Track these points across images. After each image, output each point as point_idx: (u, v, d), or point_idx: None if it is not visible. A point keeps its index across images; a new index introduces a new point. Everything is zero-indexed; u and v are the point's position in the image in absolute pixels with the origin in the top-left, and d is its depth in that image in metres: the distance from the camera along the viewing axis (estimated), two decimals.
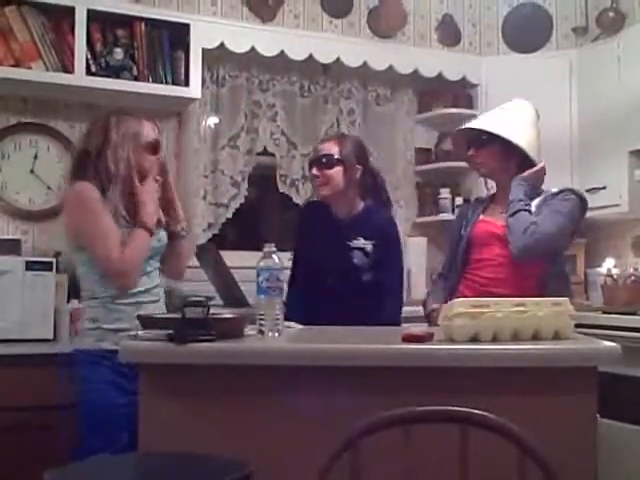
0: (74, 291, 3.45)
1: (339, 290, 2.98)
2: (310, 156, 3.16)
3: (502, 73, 4.54)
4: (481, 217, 2.94)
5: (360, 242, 3.01)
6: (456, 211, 2.97)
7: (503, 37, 4.70)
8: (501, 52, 4.70)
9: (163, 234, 2.67)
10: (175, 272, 2.80)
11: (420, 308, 3.16)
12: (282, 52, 4.10)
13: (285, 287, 2.45)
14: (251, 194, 4.29)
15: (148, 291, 2.57)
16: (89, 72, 3.52)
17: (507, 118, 2.93)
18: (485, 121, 2.98)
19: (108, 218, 2.44)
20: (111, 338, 2.41)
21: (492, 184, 3.11)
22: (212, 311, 2.00)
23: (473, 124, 2.99)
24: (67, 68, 3.49)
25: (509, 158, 2.88)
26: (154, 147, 2.64)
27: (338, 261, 3.01)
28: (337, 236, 3.02)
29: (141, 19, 3.67)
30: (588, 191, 4.26)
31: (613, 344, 1.99)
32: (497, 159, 2.90)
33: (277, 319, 2.10)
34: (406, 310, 3.22)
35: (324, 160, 2.99)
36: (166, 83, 3.70)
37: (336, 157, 2.98)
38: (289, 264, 3.11)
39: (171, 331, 1.93)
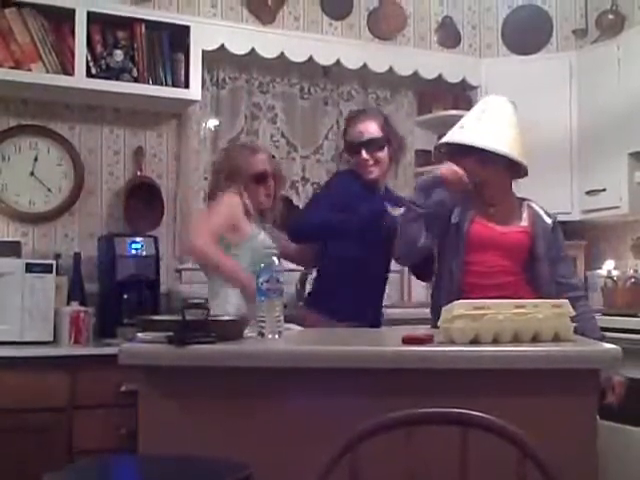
0: (73, 293, 3.46)
1: (376, 260, 3.05)
2: (352, 137, 3.11)
3: (502, 75, 4.53)
4: (476, 219, 2.86)
5: (392, 211, 3.06)
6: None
7: (503, 39, 4.70)
8: (501, 54, 4.70)
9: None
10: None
11: (420, 309, 3.16)
12: (282, 54, 4.10)
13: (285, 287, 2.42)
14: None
15: None
16: (89, 74, 3.52)
17: (485, 125, 2.81)
18: (463, 133, 2.79)
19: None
20: None
21: None
22: (212, 313, 2.00)
23: (452, 138, 2.81)
24: (67, 70, 3.49)
25: (494, 164, 2.79)
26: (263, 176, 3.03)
27: (380, 227, 3.00)
28: (375, 205, 3.03)
29: (141, 21, 3.67)
30: (588, 193, 4.28)
31: (613, 346, 1.99)
32: (482, 167, 2.81)
33: (277, 321, 2.10)
34: (406, 312, 3.23)
35: (372, 143, 3.04)
36: (166, 85, 3.70)
37: (382, 139, 3.06)
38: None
39: (171, 333, 1.93)
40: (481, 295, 2.59)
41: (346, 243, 2.97)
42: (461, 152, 2.73)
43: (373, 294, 3.10)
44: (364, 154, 3.01)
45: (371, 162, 3.03)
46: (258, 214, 3.07)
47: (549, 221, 2.81)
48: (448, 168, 2.69)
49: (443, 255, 2.81)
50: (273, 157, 3.33)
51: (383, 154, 3.05)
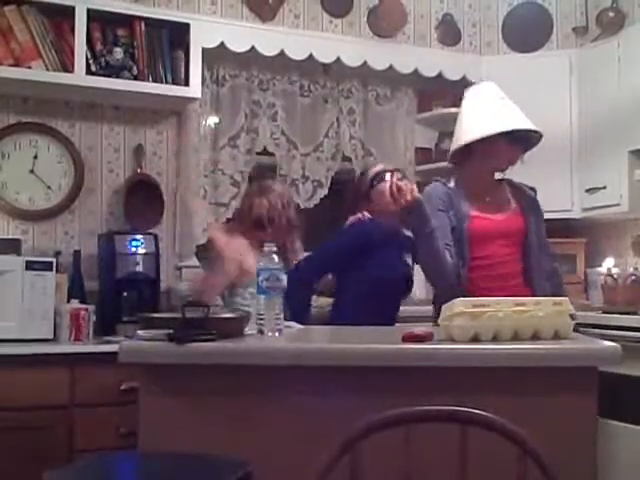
0: (74, 291, 3.46)
1: (392, 309, 3.22)
2: (384, 169, 3.33)
3: (502, 73, 4.52)
4: (473, 212, 2.82)
5: (407, 259, 3.27)
6: (433, 190, 2.81)
7: (503, 37, 4.70)
8: (501, 52, 4.70)
9: None
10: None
11: (420, 308, 3.18)
12: (282, 52, 4.10)
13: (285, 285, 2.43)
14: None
15: None
16: (89, 71, 3.52)
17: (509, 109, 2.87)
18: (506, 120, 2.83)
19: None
20: None
21: None
22: (212, 311, 2.00)
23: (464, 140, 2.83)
24: (67, 67, 3.49)
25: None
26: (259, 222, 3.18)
27: (399, 284, 3.24)
28: (395, 255, 3.21)
29: (141, 18, 3.67)
30: (588, 191, 4.28)
31: (613, 344, 1.99)
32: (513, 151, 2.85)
33: (277, 319, 2.10)
34: (406, 310, 3.23)
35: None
36: (166, 82, 3.70)
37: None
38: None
39: (171, 331, 1.93)
40: (489, 286, 2.63)
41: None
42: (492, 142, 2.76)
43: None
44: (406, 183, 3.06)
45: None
46: None
47: (532, 194, 2.94)
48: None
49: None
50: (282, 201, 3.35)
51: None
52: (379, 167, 3.40)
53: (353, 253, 3.11)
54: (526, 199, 2.91)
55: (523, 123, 2.79)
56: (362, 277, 3.09)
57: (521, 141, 2.82)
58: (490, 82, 2.99)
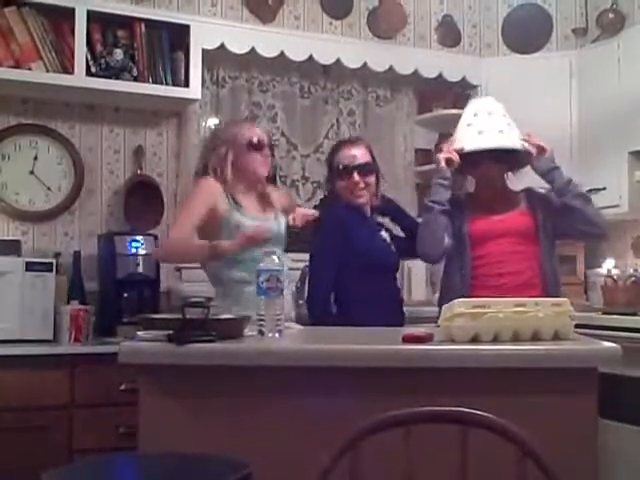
0: (73, 292, 3.46)
1: (393, 284, 3.12)
2: (342, 161, 3.03)
3: (502, 74, 4.54)
4: (475, 216, 3.01)
5: (384, 234, 3.14)
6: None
7: (503, 38, 4.70)
8: (501, 53, 4.70)
9: (276, 225, 2.89)
10: None
11: (420, 309, 3.19)
12: (282, 53, 4.10)
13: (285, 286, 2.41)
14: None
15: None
16: (89, 73, 3.52)
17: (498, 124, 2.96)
18: (491, 138, 2.94)
19: (198, 210, 2.75)
20: None
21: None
22: (212, 312, 2.00)
23: (488, 144, 2.93)
24: (67, 69, 3.49)
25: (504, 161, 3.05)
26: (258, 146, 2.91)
27: (389, 254, 3.09)
28: (373, 232, 3.08)
29: (141, 20, 3.67)
30: (588, 192, 4.27)
31: (613, 345, 1.99)
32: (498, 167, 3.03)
33: (277, 320, 2.10)
34: (406, 311, 3.22)
35: (363, 167, 3.01)
36: (166, 84, 3.70)
37: (372, 164, 3.06)
38: (298, 264, 3.12)
39: (171, 332, 1.93)
40: (492, 285, 2.69)
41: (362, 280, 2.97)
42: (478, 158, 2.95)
43: (396, 317, 3.09)
44: (356, 177, 2.98)
45: (362, 185, 3.00)
46: (253, 185, 2.94)
47: (543, 191, 3.06)
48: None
49: (450, 257, 2.97)
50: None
51: (372, 179, 3.04)
52: (343, 158, 3.09)
53: (338, 241, 2.95)
54: (537, 196, 3.03)
55: (496, 142, 2.90)
56: (352, 253, 2.94)
57: (505, 158, 2.96)
58: (488, 97, 3.15)
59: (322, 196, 4.31)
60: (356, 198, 3.01)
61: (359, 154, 3.03)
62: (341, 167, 3.01)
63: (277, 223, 2.92)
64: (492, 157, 2.93)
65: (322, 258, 2.93)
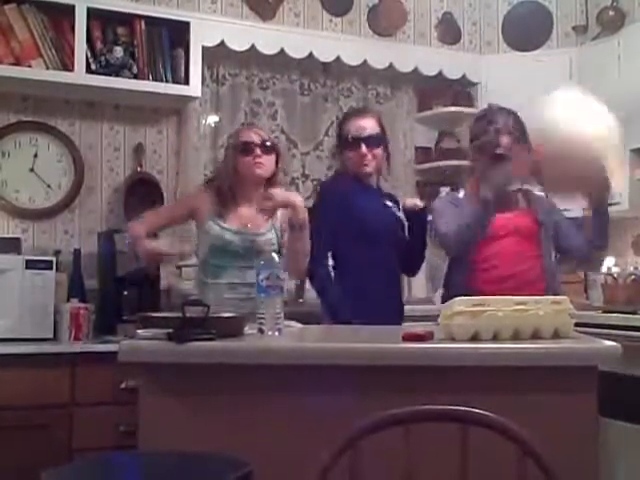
0: (73, 290, 3.46)
1: (391, 254, 3.03)
2: (350, 132, 3.02)
3: (502, 71, 4.54)
4: None
5: (390, 204, 3.11)
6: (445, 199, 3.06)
7: (503, 35, 4.70)
8: (501, 50, 4.70)
9: (264, 239, 2.86)
10: (294, 270, 2.87)
11: (420, 307, 3.18)
12: (282, 50, 4.10)
13: (285, 284, 2.41)
14: None
15: (234, 286, 2.80)
16: (89, 70, 3.52)
17: None
18: None
19: (175, 211, 3.11)
20: None
21: None
22: (212, 310, 2.00)
23: None
24: (67, 66, 3.49)
25: None
26: (245, 148, 2.90)
27: (389, 222, 3.04)
28: (375, 201, 3.05)
29: (141, 17, 3.67)
30: None
31: (613, 343, 1.99)
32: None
33: (277, 318, 2.10)
34: (406, 309, 3.22)
35: (372, 139, 3.01)
36: (166, 81, 3.70)
37: (380, 136, 3.05)
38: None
39: (171, 330, 1.93)
40: (496, 284, 2.68)
41: (358, 250, 2.95)
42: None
43: (392, 289, 3.09)
44: (364, 149, 2.99)
45: (370, 157, 3.02)
46: (252, 189, 2.94)
47: (542, 193, 3.02)
48: None
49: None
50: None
51: (380, 151, 3.04)
52: (352, 129, 3.06)
53: (333, 210, 2.96)
54: (536, 198, 3.01)
55: None
56: (349, 221, 2.94)
57: None
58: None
59: None
60: (362, 169, 3.02)
61: (368, 125, 3.03)
62: (350, 138, 3.02)
63: (264, 238, 2.87)
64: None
65: (318, 228, 2.88)
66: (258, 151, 2.88)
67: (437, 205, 3.08)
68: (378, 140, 3.04)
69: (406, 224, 3.09)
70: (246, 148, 2.88)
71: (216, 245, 2.84)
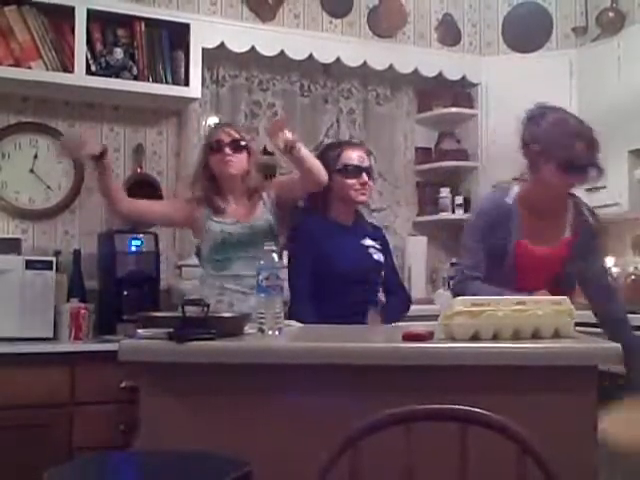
0: (74, 290, 3.46)
1: (364, 295, 3.00)
2: (350, 161, 3.04)
3: (502, 73, 4.54)
4: (522, 241, 2.64)
5: (369, 242, 3.08)
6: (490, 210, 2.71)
7: (503, 37, 4.70)
8: (501, 52, 4.70)
9: (260, 223, 2.95)
10: (315, 180, 2.88)
11: (420, 307, 3.17)
12: (282, 52, 4.10)
13: (285, 284, 2.42)
14: None
15: (240, 277, 2.87)
16: (89, 72, 3.52)
17: None
18: None
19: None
20: None
21: None
22: (211, 305, 2.00)
23: None
24: (67, 68, 3.49)
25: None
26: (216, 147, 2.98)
27: (361, 261, 3.02)
28: (351, 239, 3.04)
29: (141, 19, 3.67)
30: (588, 190, 4.27)
31: (613, 343, 1.99)
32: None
33: (277, 317, 2.10)
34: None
35: (370, 171, 3.11)
36: (166, 83, 3.70)
37: (373, 169, 3.21)
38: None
39: (171, 330, 1.93)
40: None
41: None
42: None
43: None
44: (365, 177, 3.04)
45: (367, 186, 3.07)
46: (228, 187, 3.03)
47: (590, 223, 2.73)
48: None
49: (490, 274, 2.62)
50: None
51: (372, 182, 3.15)
52: (351, 158, 3.07)
53: (308, 249, 2.98)
54: (583, 231, 2.70)
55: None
56: (319, 261, 2.93)
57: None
58: None
59: None
60: (360, 196, 3.06)
61: (364, 157, 3.11)
62: (350, 167, 3.04)
63: (260, 221, 2.98)
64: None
65: (296, 268, 2.97)
66: (228, 150, 2.97)
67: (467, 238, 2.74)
68: (372, 172, 3.17)
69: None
70: (216, 147, 2.98)
71: (218, 240, 2.94)
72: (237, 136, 3.02)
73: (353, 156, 3.06)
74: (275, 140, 2.80)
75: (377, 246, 3.09)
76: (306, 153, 2.84)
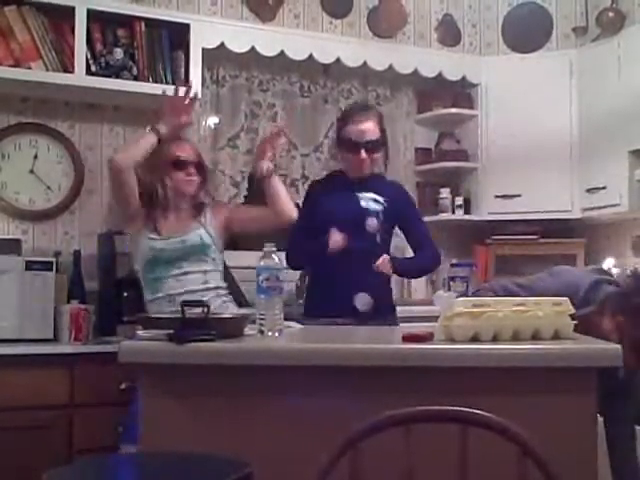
0: (74, 291, 3.46)
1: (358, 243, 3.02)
2: (351, 135, 3.07)
3: (502, 73, 4.54)
4: None
5: (370, 195, 3.09)
6: None
7: (503, 37, 4.70)
8: (501, 52, 4.70)
9: (191, 237, 2.90)
10: (280, 213, 2.97)
11: (420, 308, 3.16)
12: (282, 52, 4.10)
13: (285, 285, 2.42)
14: (251, 194, 4.28)
15: (172, 297, 2.80)
16: (89, 72, 3.52)
17: None
18: None
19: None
20: None
21: None
22: (212, 311, 2.00)
23: None
24: (67, 68, 3.49)
25: None
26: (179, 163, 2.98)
27: (346, 206, 3.07)
28: (347, 192, 3.10)
29: (141, 19, 3.67)
30: (588, 191, 4.28)
31: (613, 344, 1.99)
32: None
33: (277, 319, 2.10)
34: (406, 310, 3.22)
35: (371, 144, 3.06)
36: (166, 83, 3.69)
37: (380, 140, 3.10)
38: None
39: (171, 331, 1.93)
40: None
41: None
42: None
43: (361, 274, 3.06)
44: (363, 154, 3.03)
45: (368, 162, 3.08)
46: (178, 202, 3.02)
47: None
48: None
49: None
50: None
51: (378, 155, 3.12)
52: (352, 132, 3.10)
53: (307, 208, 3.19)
54: None
55: None
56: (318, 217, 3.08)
57: None
58: None
59: None
60: (359, 172, 3.09)
61: (369, 129, 3.08)
62: (350, 141, 3.04)
63: (193, 236, 2.96)
64: None
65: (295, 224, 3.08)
66: (192, 169, 2.99)
67: None
68: (377, 144, 3.09)
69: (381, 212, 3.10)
70: (180, 163, 2.98)
71: (149, 257, 2.91)
72: (199, 158, 3.08)
73: (352, 131, 3.08)
74: (260, 162, 2.92)
75: (377, 198, 3.10)
76: (281, 186, 3.01)
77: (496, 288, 2.55)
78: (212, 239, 2.98)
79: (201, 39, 3.80)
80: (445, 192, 4.62)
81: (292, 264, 3.15)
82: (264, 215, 3.02)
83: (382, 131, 3.13)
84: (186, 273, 2.86)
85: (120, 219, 3.26)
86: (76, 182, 3.77)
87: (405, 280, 4.48)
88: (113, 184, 3.04)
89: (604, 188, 4.16)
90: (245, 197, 4.23)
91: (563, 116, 4.37)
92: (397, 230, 3.26)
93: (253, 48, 4.03)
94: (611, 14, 4.37)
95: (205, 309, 1.97)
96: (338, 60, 4.26)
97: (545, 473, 1.36)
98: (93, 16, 3.54)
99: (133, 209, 2.98)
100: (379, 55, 4.37)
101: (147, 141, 2.93)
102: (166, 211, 2.98)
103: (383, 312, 3.05)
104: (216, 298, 2.88)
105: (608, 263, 4.23)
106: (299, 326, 2.58)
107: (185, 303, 1.97)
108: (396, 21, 4.52)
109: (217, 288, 2.96)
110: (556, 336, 2.04)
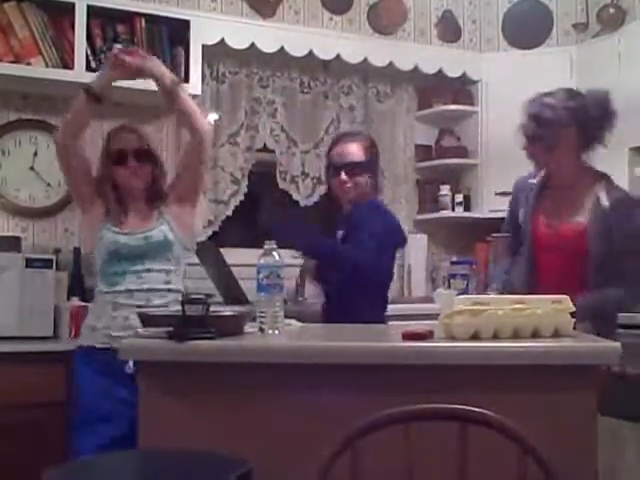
0: (74, 288, 3.46)
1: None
2: (333, 158, 2.98)
3: (502, 69, 4.54)
4: (540, 217, 2.79)
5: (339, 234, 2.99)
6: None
7: (503, 33, 4.70)
8: (501, 48, 4.70)
9: (155, 233, 2.72)
10: (193, 129, 2.75)
11: (420, 306, 3.16)
12: (282, 48, 4.09)
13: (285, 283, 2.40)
14: (251, 191, 4.28)
15: (131, 293, 2.67)
16: (89, 68, 3.52)
17: None
18: None
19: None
20: (86, 335, 2.67)
21: None
22: (212, 309, 2.00)
23: None
24: (67, 64, 3.49)
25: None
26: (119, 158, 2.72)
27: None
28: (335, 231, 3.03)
29: (141, 15, 3.67)
30: None
31: (613, 342, 1.99)
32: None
33: (277, 316, 2.10)
34: (406, 307, 3.22)
35: (354, 167, 2.91)
36: None
37: (365, 164, 2.93)
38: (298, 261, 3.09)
39: (171, 328, 1.93)
40: None
41: None
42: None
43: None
44: (343, 176, 2.90)
45: (349, 185, 2.91)
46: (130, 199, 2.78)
47: (605, 205, 2.76)
48: None
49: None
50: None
51: (361, 178, 2.92)
52: (335, 155, 3.00)
53: None
54: (597, 216, 2.73)
55: None
56: None
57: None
58: None
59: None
60: (343, 195, 2.96)
61: (352, 152, 2.93)
62: (331, 165, 2.99)
63: (157, 233, 2.74)
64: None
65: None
66: (132, 161, 2.72)
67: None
68: (360, 167, 2.92)
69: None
70: (119, 158, 2.72)
71: (110, 250, 2.70)
72: (140, 144, 2.76)
73: (334, 153, 2.98)
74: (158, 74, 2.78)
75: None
76: (190, 99, 2.78)
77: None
78: (175, 236, 2.76)
79: (201, 35, 3.80)
80: (445, 189, 4.62)
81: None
82: (186, 148, 2.86)
83: (371, 155, 2.98)
84: (149, 270, 2.68)
85: (76, 203, 3.03)
86: None
87: (405, 278, 4.48)
88: (60, 165, 2.85)
89: None
90: (245, 195, 4.23)
91: None
92: None
93: (253, 44, 4.03)
94: (612, 10, 4.37)
95: (205, 307, 1.96)
96: (338, 56, 4.25)
97: (545, 471, 1.36)
98: (93, 12, 3.54)
99: (85, 197, 2.78)
100: (379, 51, 4.37)
101: (78, 101, 2.71)
102: (125, 206, 2.76)
103: None
104: (175, 303, 2.59)
105: None
106: (299, 324, 2.57)
107: (184, 301, 1.96)
108: (396, 17, 4.52)
109: (178, 292, 2.76)
110: (556, 334, 2.04)
